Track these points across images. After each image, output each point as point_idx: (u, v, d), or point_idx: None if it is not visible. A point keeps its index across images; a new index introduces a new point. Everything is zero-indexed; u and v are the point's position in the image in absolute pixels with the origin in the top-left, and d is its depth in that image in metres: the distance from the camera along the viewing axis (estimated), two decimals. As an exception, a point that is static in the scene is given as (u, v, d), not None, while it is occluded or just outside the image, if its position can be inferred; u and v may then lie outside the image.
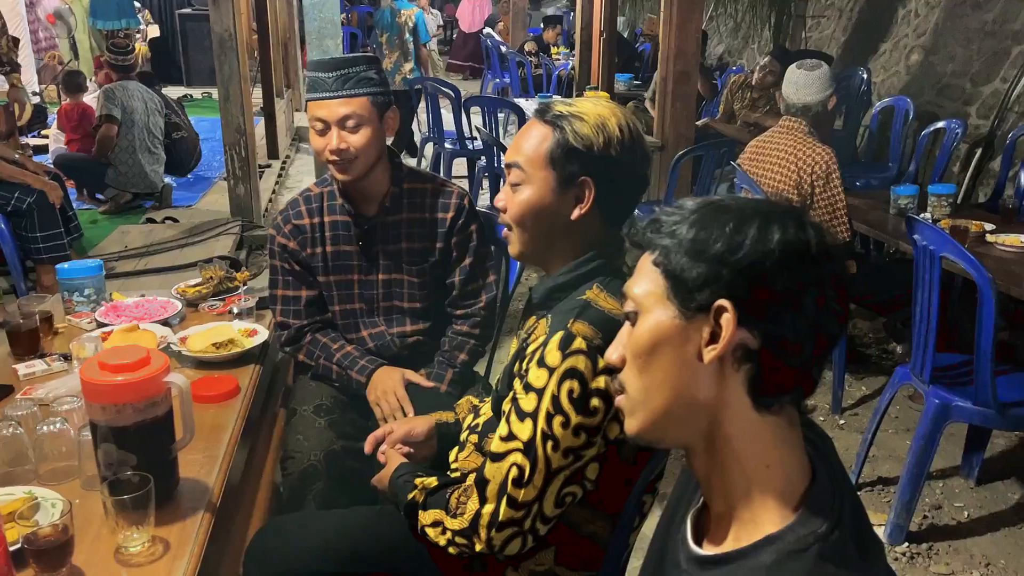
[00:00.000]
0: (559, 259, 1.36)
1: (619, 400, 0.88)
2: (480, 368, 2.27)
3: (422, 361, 2.03)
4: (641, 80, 7.96)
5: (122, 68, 5.46)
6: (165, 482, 1.38)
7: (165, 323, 2.11)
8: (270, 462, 1.95)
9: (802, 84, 3.10)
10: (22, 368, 1.86)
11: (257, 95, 6.97)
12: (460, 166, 6.21)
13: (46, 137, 6.59)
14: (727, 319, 0.78)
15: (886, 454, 2.92)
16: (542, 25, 10.42)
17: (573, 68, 7.64)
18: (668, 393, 0.83)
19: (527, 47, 9.35)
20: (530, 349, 1.27)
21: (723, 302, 0.78)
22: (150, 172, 5.44)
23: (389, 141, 1.95)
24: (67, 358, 1.89)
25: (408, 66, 6.99)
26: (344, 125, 1.82)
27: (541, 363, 1.22)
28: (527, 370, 1.24)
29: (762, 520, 0.79)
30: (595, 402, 1.20)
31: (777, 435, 0.81)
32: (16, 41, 7.54)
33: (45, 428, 1.47)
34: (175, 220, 5.13)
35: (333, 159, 1.84)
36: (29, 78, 8.51)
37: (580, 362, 1.20)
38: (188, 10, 10.62)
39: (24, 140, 6.89)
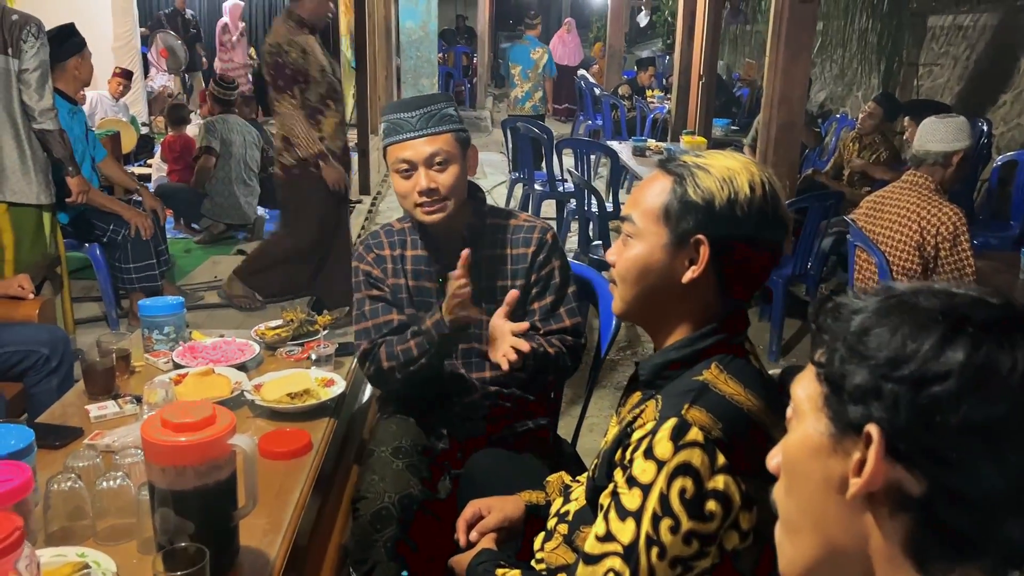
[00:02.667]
0: (670, 328, 1.19)
1: (778, 534, 0.71)
2: (565, 430, 2.11)
3: (503, 415, 1.89)
4: (739, 125, 7.74)
5: (225, 102, 5.59)
6: (223, 553, 1.26)
7: (242, 367, 2.03)
8: (339, 526, 1.83)
9: (927, 131, 2.86)
10: (94, 409, 1.80)
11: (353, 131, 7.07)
12: (549, 208, 6.11)
13: (150, 166, 6.80)
14: (873, 450, 0.61)
15: None
16: (636, 67, 10.34)
17: (669, 112, 7.48)
18: (809, 526, 0.67)
19: (621, 90, 9.25)
20: (636, 436, 1.09)
21: (872, 428, 0.61)
22: (244, 204, 5.52)
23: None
24: (140, 400, 1.82)
25: (539, 94, 7.83)
26: (431, 164, 1.75)
27: (649, 454, 1.05)
28: (632, 461, 1.07)
29: None
30: (711, 505, 1.02)
31: None
32: (129, 74, 7.86)
33: (104, 484, 1.37)
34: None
35: (422, 200, 1.76)
36: (139, 109, 8.87)
37: (695, 456, 1.03)
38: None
39: (130, 169, 7.14)
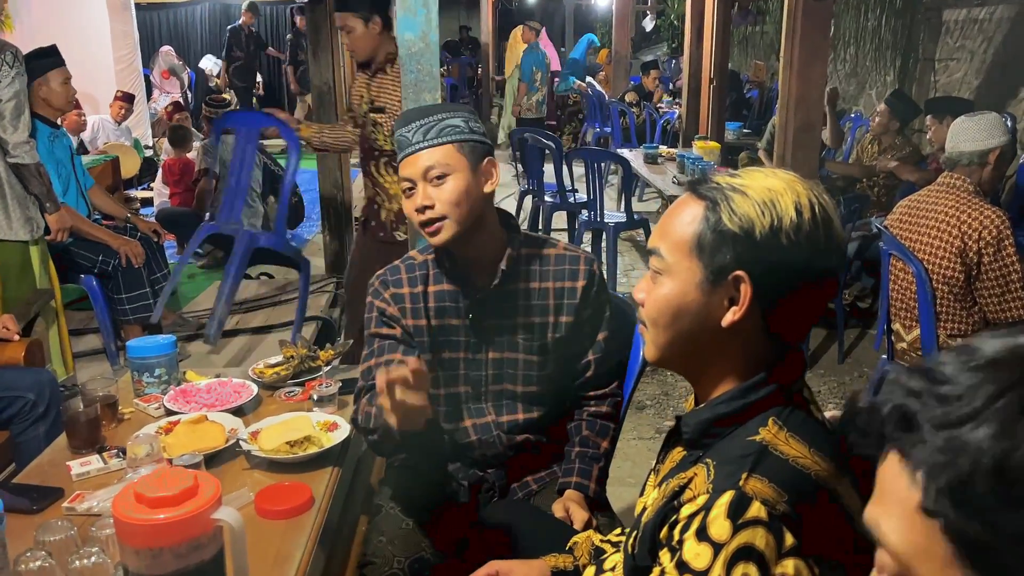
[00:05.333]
0: (713, 378, 1.03)
1: None
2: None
3: (529, 463, 1.75)
4: (750, 128, 7.57)
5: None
6: (210, 645, 1.11)
7: (238, 411, 1.87)
8: (346, 588, 1.67)
9: (958, 130, 2.69)
10: (76, 466, 1.65)
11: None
12: (559, 219, 5.96)
13: (152, 190, 6.69)
14: None
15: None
16: (640, 72, 10.19)
17: (679, 117, 7.32)
18: None
19: (628, 96, 9.09)
20: (685, 512, 0.92)
21: None
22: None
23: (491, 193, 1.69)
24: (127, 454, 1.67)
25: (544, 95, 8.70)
26: (428, 178, 1.58)
27: (702, 535, 0.88)
28: (682, 542, 0.90)
29: None
30: (779, 595, 0.86)
31: None
32: (131, 97, 7.77)
33: (77, 563, 1.22)
34: (270, 276, 5.02)
35: (421, 219, 1.59)
36: (143, 132, 8.77)
37: (758, 537, 0.86)
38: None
39: (132, 193, 7.03)
